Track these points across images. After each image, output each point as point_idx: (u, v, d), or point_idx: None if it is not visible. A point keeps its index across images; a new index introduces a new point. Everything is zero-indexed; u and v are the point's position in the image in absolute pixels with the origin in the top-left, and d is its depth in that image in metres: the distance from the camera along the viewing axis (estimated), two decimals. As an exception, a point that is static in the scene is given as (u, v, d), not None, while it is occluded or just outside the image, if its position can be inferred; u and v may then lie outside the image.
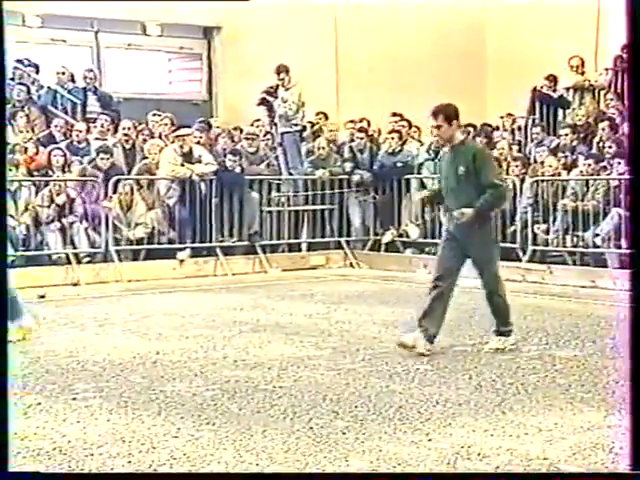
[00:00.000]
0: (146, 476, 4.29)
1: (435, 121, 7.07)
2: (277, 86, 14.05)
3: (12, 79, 13.80)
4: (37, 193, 11.76)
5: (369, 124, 14.61)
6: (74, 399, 5.89)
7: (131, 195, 12.15)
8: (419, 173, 13.44)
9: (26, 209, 11.48)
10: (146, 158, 12.79)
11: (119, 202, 12.05)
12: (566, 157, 12.81)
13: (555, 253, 11.97)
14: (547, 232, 11.90)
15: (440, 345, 7.53)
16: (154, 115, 13.70)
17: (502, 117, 14.95)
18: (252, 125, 14.12)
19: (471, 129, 13.73)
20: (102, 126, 13.01)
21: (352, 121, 14.62)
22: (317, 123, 14.70)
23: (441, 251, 7.35)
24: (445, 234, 7.41)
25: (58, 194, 11.70)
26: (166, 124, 13.31)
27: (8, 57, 13.16)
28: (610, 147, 12.20)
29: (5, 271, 3.94)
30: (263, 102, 14.37)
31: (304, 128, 14.31)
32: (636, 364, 3.71)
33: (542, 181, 12.13)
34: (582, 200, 11.64)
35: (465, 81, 17.83)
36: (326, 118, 14.87)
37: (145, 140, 13.25)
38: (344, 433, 5.12)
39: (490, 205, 7.14)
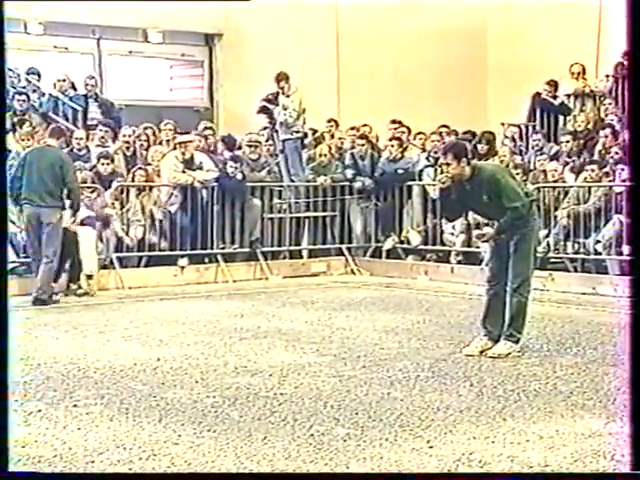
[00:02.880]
0: (146, 476, 4.29)
1: (444, 159, 7.40)
2: (277, 93, 14.06)
3: (13, 87, 13.84)
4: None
5: (371, 130, 14.62)
6: (75, 406, 5.89)
7: (127, 197, 12.20)
8: (420, 180, 13.44)
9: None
10: (150, 165, 12.82)
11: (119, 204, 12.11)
12: (574, 161, 12.79)
13: (556, 260, 11.97)
14: (547, 236, 11.89)
15: (441, 352, 7.53)
16: (165, 124, 13.70)
17: (503, 124, 14.96)
18: (251, 133, 14.10)
19: (470, 135, 13.75)
20: (102, 137, 13.02)
21: (354, 128, 14.63)
22: (329, 130, 14.71)
23: (490, 254, 7.70)
24: (493, 243, 7.65)
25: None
26: (171, 129, 13.33)
27: (10, 64, 13.20)
28: (612, 154, 12.20)
29: (5, 274, 3.93)
30: (263, 110, 14.38)
31: (305, 135, 14.31)
32: (636, 371, 3.72)
33: (543, 188, 12.13)
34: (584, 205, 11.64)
35: (466, 87, 17.85)
36: (337, 125, 14.87)
37: (142, 146, 13.27)
38: (345, 440, 5.11)
39: (509, 225, 7.39)
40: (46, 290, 10.24)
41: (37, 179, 10.36)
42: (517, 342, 7.41)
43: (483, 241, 7.66)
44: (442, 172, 7.65)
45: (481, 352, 7.38)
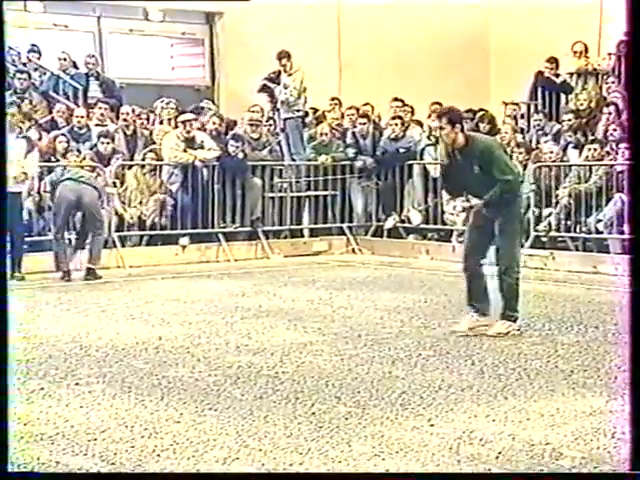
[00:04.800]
0: (146, 476, 4.30)
1: (439, 123, 7.39)
2: (279, 72, 14.00)
3: (14, 65, 13.79)
4: (40, 179, 11.74)
5: (373, 109, 14.57)
6: (77, 384, 5.91)
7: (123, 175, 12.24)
8: (421, 159, 13.42)
9: (29, 194, 11.45)
10: (154, 143, 12.80)
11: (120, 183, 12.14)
12: (575, 135, 12.69)
13: (557, 239, 11.96)
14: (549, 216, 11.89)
15: (442, 331, 7.55)
16: (161, 101, 13.67)
17: (505, 103, 14.90)
18: (252, 112, 14.07)
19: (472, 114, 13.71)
20: (102, 115, 12.98)
21: (354, 107, 14.58)
22: (332, 108, 14.64)
23: (468, 232, 7.69)
24: (472, 218, 7.58)
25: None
26: (173, 108, 13.29)
27: (10, 42, 13.14)
28: (614, 132, 12.16)
29: (5, 270, 3.91)
30: (264, 89, 14.33)
31: (306, 114, 14.27)
32: (636, 350, 3.72)
33: (545, 167, 12.11)
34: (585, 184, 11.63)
35: (468, 66, 17.77)
36: (340, 104, 14.81)
37: (143, 124, 13.25)
38: (346, 418, 5.13)
39: (498, 197, 7.30)
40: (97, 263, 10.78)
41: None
42: (515, 321, 7.42)
43: (468, 213, 7.48)
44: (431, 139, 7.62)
45: (470, 329, 7.38)
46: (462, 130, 7.38)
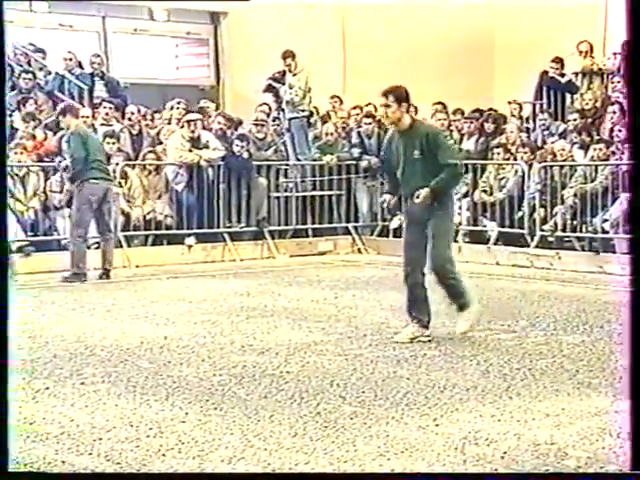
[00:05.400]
0: (147, 476, 4.30)
1: (385, 100, 7.04)
2: (284, 72, 14.01)
3: (20, 65, 13.82)
4: (46, 178, 11.77)
5: (376, 109, 14.55)
6: (82, 384, 5.91)
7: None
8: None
9: (35, 194, 11.48)
10: (161, 143, 12.82)
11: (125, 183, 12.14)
12: (580, 136, 12.67)
13: (563, 238, 11.94)
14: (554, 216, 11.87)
15: (447, 331, 7.54)
16: (178, 102, 13.67)
17: (510, 103, 14.90)
18: (261, 111, 14.08)
19: (478, 115, 13.71)
20: (107, 114, 13.00)
21: (358, 107, 14.58)
22: (333, 107, 14.63)
23: (406, 237, 7.31)
24: (406, 219, 7.34)
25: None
26: (184, 108, 13.30)
27: (15, 42, 13.16)
28: (620, 132, 12.14)
29: (5, 269, 3.90)
30: (269, 88, 14.34)
31: (311, 114, 14.28)
32: (636, 351, 3.71)
33: (550, 167, 12.10)
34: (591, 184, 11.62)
35: (472, 66, 17.76)
36: (340, 102, 14.81)
37: (149, 125, 13.27)
38: (351, 418, 5.13)
39: (445, 184, 7.02)
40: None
41: (99, 157, 10.68)
42: (469, 304, 7.15)
43: (419, 203, 6.92)
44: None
45: (412, 340, 7.04)
46: (408, 111, 7.09)
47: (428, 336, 7.12)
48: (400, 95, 7.04)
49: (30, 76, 13.39)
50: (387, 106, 7.01)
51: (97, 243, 11.57)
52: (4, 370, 3.80)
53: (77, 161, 10.39)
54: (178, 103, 13.49)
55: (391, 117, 7.05)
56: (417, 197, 6.96)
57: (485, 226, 12.48)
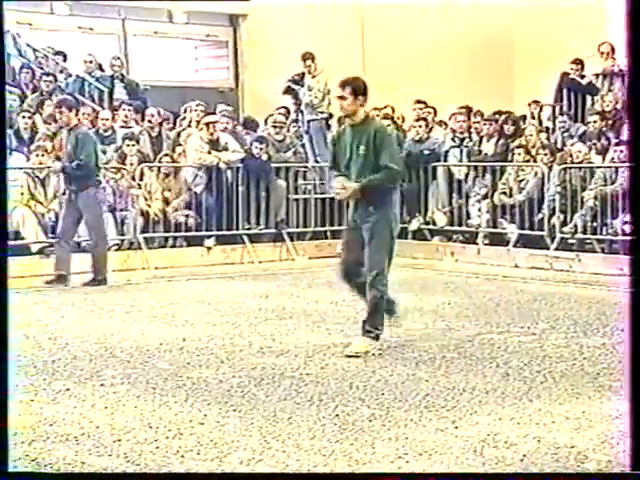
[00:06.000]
0: (146, 476, 4.30)
1: (342, 92, 6.79)
2: (303, 74, 14.02)
3: (41, 67, 13.90)
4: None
5: (393, 111, 14.55)
6: (102, 385, 5.93)
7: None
8: (446, 160, 13.39)
9: (55, 196, 11.53)
10: (180, 145, 12.86)
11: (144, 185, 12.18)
12: (594, 144, 12.68)
13: (584, 241, 11.88)
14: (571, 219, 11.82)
15: (466, 333, 7.52)
16: (196, 104, 13.69)
17: (530, 104, 14.85)
18: (278, 114, 14.09)
19: (498, 116, 13.67)
20: (126, 116, 13.05)
21: (376, 108, 14.56)
22: None
23: (345, 243, 7.06)
24: (349, 223, 7.05)
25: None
26: (202, 111, 13.34)
27: (36, 45, 13.20)
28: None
29: (5, 267, 3.90)
30: (289, 90, 14.35)
31: (330, 116, 14.28)
32: (636, 351, 3.69)
33: (570, 169, 12.04)
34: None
35: (492, 68, 17.72)
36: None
37: (168, 126, 13.31)
38: (370, 420, 5.12)
39: (377, 184, 6.75)
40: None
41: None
42: (376, 338, 6.83)
43: (341, 197, 6.83)
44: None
45: (366, 352, 6.74)
46: (363, 105, 6.83)
47: (380, 348, 6.81)
48: (357, 87, 6.79)
49: (51, 78, 13.48)
50: (342, 98, 6.78)
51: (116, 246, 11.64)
52: (4, 370, 3.80)
53: (90, 165, 10.16)
54: (197, 105, 13.52)
55: (345, 109, 6.82)
56: (343, 188, 6.78)
57: (504, 228, 12.44)
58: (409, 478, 4.30)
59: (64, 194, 10.59)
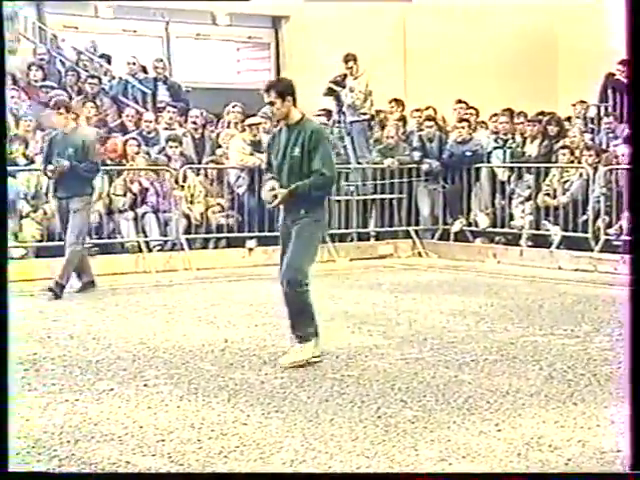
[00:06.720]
0: (146, 476, 4.32)
1: (268, 97, 6.51)
2: (344, 75, 14.02)
3: (86, 70, 14.05)
4: (110, 182, 11.92)
5: (435, 112, 14.50)
6: (145, 385, 5.98)
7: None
8: (488, 161, 13.32)
9: (99, 197, 11.64)
10: (220, 147, 12.92)
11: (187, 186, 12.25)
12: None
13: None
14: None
15: (509, 335, 7.47)
16: (232, 106, 13.74)
17: (574, 105, 14.72)
18: (318, 115, 14.09)
19: (542, 117, 13.57)
20: (170, 118, 13.13)
21: (418, 110, 14.53)
22: (391, 111, 14.57)
23: (281, 248, 6.74)
24: (280, 227, 6.77)
25: (132, 182, 11.87)
26: (240, 112, 13.38)
27: (81, 47, 13.28)
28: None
29: (5, 271, 3.92)
30: (330, 92, 14.35)
31: (372, 117, 14.27)
32: (636, 351, 3.65)
33: (616, 170, 11.92)
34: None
35: (536, 68, 17.60)
36: (403, 106, 14.73)
37: (213, 130, 13.38)
38: (412, 422, 5.10)
39: (307, 189, 6.44)
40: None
41: None
42: (310, 337, 6.49)
43: (273, 204, 6.52)
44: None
45: (306, 360, 6.47)
46: (294, 104, 6.52)
47: (319, 356, 6.56)
48: (283, 89, 6.52)
49: (96, 81, 13.61)
50: (271, 103, 6.52)
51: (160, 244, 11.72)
52: (4, 370, 3.82)
53: (98, 168, 9.94)
54: (233, 107, 13.56)
55: (277, 114, 6.59)
56: (273, 197, 6.53)
57: (548, 230, 12.35)
58: (409, 478, 4.28)
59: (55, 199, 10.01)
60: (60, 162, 9.55)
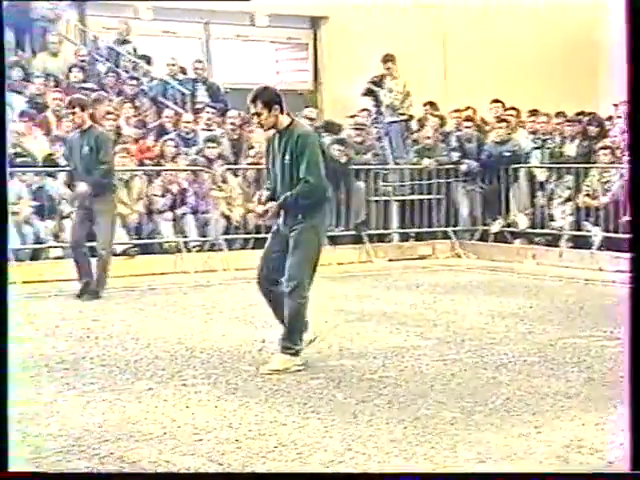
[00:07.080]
0: (146, 476, 4.33)
1: (254, 108, 6.33)
2: (383, 76, 14.00)
3: (126, 71, 14.16)
4: (150, 182, 11.99)
5: (475, 112, 14.43)
6: (183, 385, 6.00)
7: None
8: (527, 162, 13.23)
9: (139, 198, 11.72)
10: (252, 148, 12.94)
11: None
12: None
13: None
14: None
15: (548, 337, 7.41)
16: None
17: (616, 105, 14.56)
18: (355, 116, 14.08)
19: (582, 117, 13.45)
20: (209, 119, 13.18)
21: (457, 110, 14.46)
22: (424, 116, 14.52)
23: (267, 249, 6.67)
24: (274, 230, 6.66)
25: (171, 183, 11.93)
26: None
27: (121, 49, 13.32)
28: None
29: (5, 271, 3.93)
30: (369, 92, 14.34)
31: (410, 118, 14.23)
32: (636, 351, 3.61)
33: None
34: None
35: (575, 67, 17.45)
36: (435, 108, 14.68)
37: (251, 131, 13.40)
38: (451, 424, 5.08)
39: (295, 200, 6.33)
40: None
41: None
42: (296, 354, 6.42)
43: (264, 218, 6.55)
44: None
45: (285, 369, 6.36)
46: (282, 111, 6.34)
47: (302, 364, 6.43)
48: (269, 98, 6.32)
49: (135, 82, 13.71)
50: (257, 114, 6.34)
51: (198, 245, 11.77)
52: (4, 370, 3.84)
53: (112, 168, 9.81)
54: None
55: (265, 125, 6.39)
56: (265, 212, 6.49)
57: (589, 231, 12.24)
58: (405, 477, 4.25)
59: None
60: (78, 190, 9.60)
